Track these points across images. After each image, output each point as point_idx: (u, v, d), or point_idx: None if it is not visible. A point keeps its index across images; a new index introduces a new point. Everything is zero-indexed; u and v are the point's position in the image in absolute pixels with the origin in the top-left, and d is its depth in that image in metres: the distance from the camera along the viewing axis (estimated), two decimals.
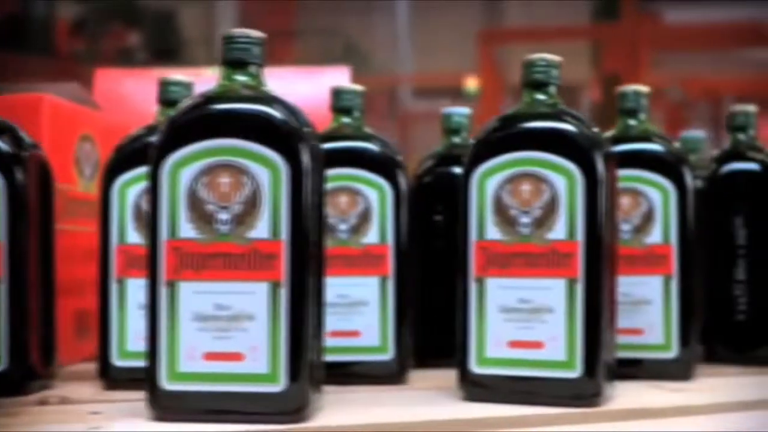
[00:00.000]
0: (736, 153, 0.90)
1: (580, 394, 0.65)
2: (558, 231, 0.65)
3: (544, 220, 0.66)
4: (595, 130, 0.67)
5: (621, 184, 0.78)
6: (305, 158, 0.60)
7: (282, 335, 0.59)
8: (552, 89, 0.70)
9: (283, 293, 0.59)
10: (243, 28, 0.63)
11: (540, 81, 0.69)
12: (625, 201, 0.78)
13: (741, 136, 0.91)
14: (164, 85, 0.76)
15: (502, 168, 0.67)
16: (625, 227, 0.78)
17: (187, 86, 0.76)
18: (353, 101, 0.80)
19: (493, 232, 0.67)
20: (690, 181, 0.78)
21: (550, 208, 0.66)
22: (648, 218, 0.77)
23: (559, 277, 0.65)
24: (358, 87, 0.80)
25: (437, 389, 0.72)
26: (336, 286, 0.75)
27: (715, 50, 4.29)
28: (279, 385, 0.59)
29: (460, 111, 0.90)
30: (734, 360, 0.87)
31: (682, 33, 4.05)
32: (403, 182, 0.77)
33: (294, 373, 0.59)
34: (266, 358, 0.59)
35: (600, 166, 0.65)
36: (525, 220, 0.66)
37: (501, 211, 0.67)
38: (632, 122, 0.81)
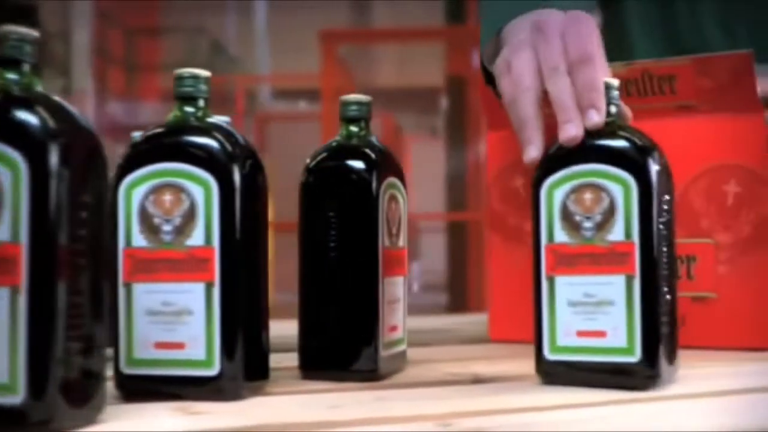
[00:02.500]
0: (345, 147, 0.82)
1: (26, 420, 0.56)
2: None
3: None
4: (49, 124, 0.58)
5: (161, 180, 0.69)
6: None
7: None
8: (26, 67, 0.60)
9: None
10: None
11: (10, 57, 0.60)
12: (166, 198, 0.69)
13: (354, 129, 0.83)
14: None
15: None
16: (166, 228, 0.69)
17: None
18: None
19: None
20: (237, 177, 0.69)
21: None
22: (190, 218, 0.69)
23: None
24: None
25: None
26: None
27: None
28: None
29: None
30: (328, 375, 0.78)
31: None
32: None
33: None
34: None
35: (52, 158, 0.56)
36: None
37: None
38: (190, 109, 0.72)
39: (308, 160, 0.82)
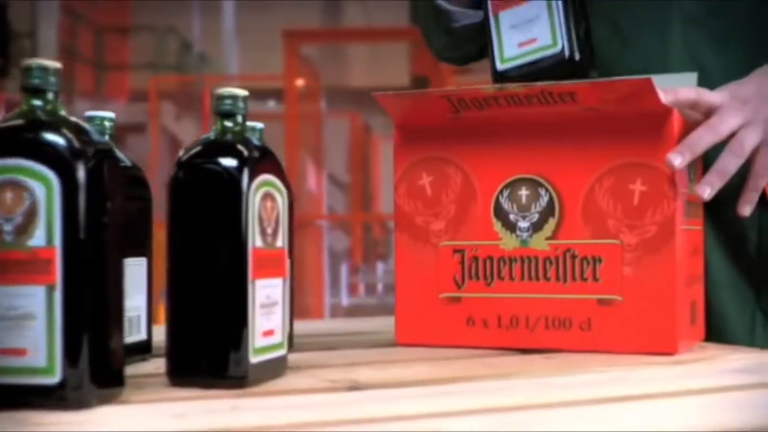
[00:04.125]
0: (218, 143, 0.78)
1: None
2: None
3: None
4: None
5: (1, 177, 0.66)
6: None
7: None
8: None
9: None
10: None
11: None
12: (7, 196, 0.66)
13: (228, 124, 0.79)
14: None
15: None
16: (7, 227, 0.66)
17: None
18: None
19: None
20: (82, 175, 0.65)
21: None
22: (31, 217, 0.65)
23: None
24: None
25: None
26: None
27: None
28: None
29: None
30: (196, 382, 0.75)
31: None
32: None
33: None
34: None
35: None
36: None
37: None
38: (38, 103, 0.69)
39: (180, 154, 0.78)
